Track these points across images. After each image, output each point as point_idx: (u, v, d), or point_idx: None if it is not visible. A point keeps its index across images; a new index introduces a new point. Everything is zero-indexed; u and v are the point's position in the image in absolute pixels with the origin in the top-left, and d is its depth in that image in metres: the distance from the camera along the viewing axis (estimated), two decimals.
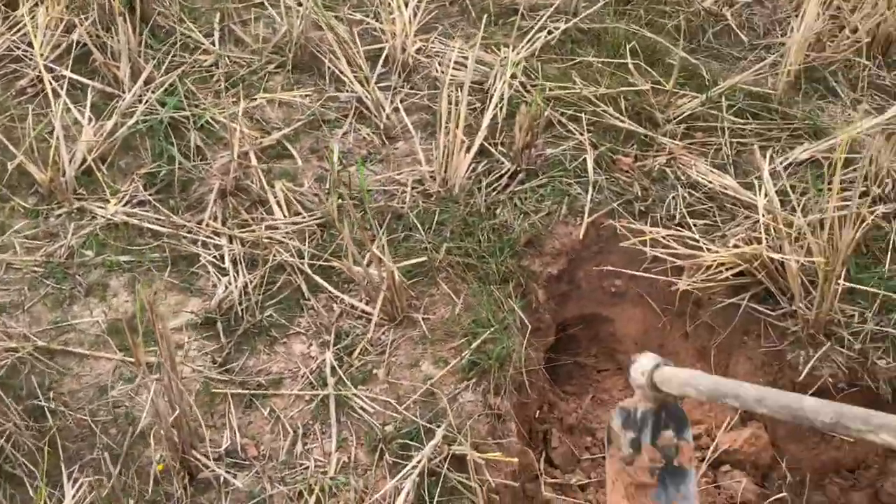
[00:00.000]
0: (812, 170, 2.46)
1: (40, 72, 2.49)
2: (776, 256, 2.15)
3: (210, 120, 2.47)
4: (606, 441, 1.48)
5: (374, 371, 2.01)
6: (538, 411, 2.22)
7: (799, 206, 2.28)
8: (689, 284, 2.22)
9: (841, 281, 2.09)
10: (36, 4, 2.66)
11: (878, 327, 2.15)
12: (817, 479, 2.25)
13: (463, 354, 1.99)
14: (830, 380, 2.12)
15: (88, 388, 1.92)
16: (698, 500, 1.49)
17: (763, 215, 2.27)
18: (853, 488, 2.24)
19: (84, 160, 2.33)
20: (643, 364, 1.42)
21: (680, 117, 2.58)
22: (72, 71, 2.54)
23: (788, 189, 2.37)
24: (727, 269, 2.20)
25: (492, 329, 2.02)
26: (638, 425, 1.46)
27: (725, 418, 2.23)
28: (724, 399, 1.29)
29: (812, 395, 2.08)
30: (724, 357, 2.28)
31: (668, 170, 2.44)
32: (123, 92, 2.50)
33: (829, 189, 2.20)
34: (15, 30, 2.63)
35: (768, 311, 2.20)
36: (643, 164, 2.46)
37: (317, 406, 1.95)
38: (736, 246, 2.23)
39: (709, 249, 2.22)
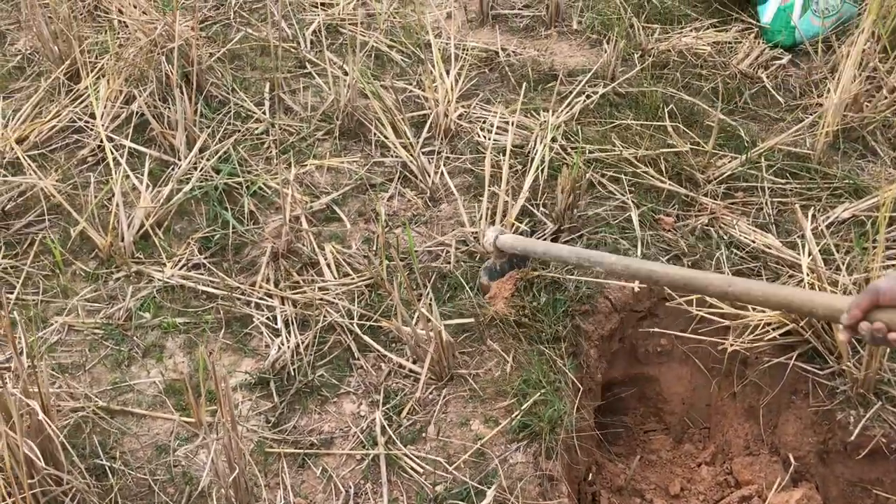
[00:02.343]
0: (855, 228, 2.47)
1: (101, 141, 2.61)
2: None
3: (262, 185, 2.56)
4: (480, 293, 2.21)
5: (424, 430, 2.04)
6: (588, 473, 2.22)
7: (843, 264, 2.29)
8: (732, 344, 2.23)
9: None
10: (98, 78, 2.80)
11: None
12: None
13: (513, 415, 2.01)
14: (883, 440, 2.09)
15: (147, 448, 1.97)
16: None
17: (807, 274, 2.28)
18: None
19: (142, 225, 2.43)
20: (488, 236, 2.17)
21: (720, 178, 2.62)
22: (131, 140, 2.66)
23: (832, 248, 2.38)
24: (774, 329, 2.20)
25: (542, 391, 2.04)
26: (498, 273, 2.24)
27: (776, 479, 2.20)
28: (545, 256, 2.12)
29: (865, 456, 2.08)
30: (772, 416, 2.27)
31: (710, 229, 2.47)
32: (179, 159, 2.61)
33: (874, 247, 2.21)
34: (78, 102, 2.77)
35: (816, 371, 2.20)
36: (685, 223, 2.49)
37: (368, 465, 1.97)
38: None
39: (754, 308, 2.23)
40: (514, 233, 2.40)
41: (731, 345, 2.23)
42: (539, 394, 2.03)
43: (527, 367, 2.11)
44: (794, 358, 2.20)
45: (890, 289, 1.16)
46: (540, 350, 2.14)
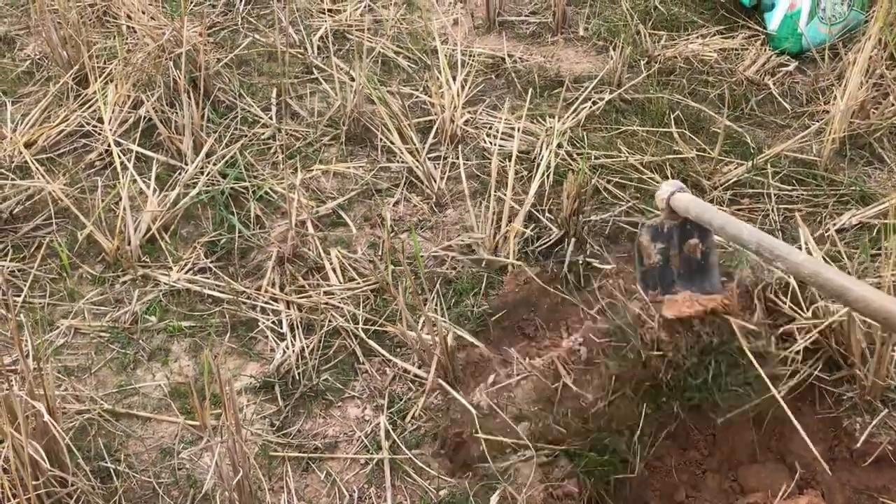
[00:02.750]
0: (862, 235, 2.47)
1: (109, 146, 2.63)
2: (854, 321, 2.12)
3: (268, 190, 2.57)
4: (637, 257, 1.68)
5: (428, 435, 2.04)
6: None
7: (853, 271, 2.28)
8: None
9: None
10: (106, 83, 2.82)
11: None
12: None
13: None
14: (890, 447, 2.08)
15: (152, 451, 1.97)
16: (721, 294, 1.72)
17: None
18: None
19: (148, 229, 2.44)
20: (662, 191, 1.69)
21: (726, 184, 2.62)
22: (138, 145, 2.68)
23: (842, 255, 2.37)
24: (805, 334, 2.19)
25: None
26: (666, 237, 1.72)
27: (782, 486, 2.19)
28: (721, 232, 1.60)
29: (871, 463, 2.07)
30: (778, 422, 2.26)
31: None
32: (186, 164, 2.62)
33: (883, 254, 2.20)
34: (86, 106, 2.79)
35: (824, 377, 2.19)
36: None
37: (372, 470, 1.97)
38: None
39: None
40: (519, 237, 2.40)
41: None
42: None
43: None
44: (818, 368, 2.17)
45: None
46: None
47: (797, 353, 2.13)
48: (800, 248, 2.38)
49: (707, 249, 1.76)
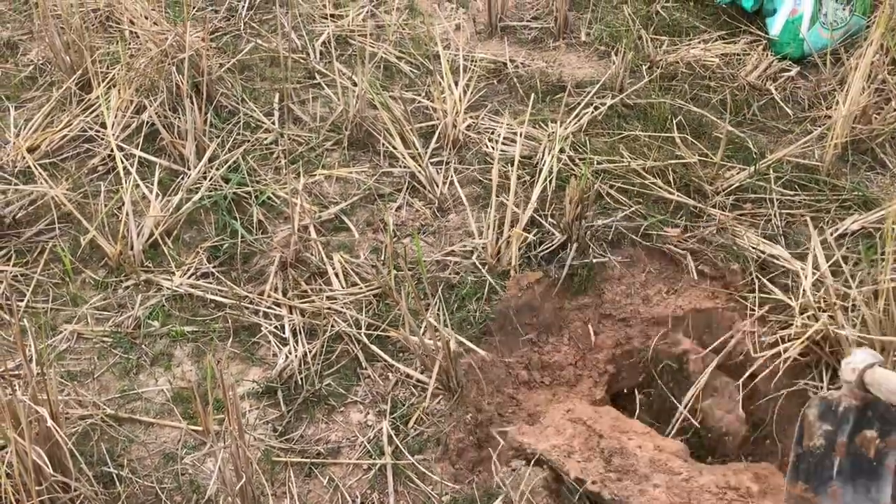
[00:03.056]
0: (863, 241, 2.47)
1: (112, 151, 2.63)
2: (842, 332, 2.13)
3: (271, 195, 2.57)
4: (797, 433, 1.36)
5: (431, 440, 2.04)
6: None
7: (854, 278, 2.28)
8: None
9: None
10: (109, 88, 2.83)
11: None
12: None
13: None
14: None
15: (154, 456, 1.97)
16: None
17: (812, 285, 2.27)
18: None
19: (151, 234, 2.44)
20: (856, 360, 1.30)
21: (729, 189, 2.62)
22: (141, 150, 2.68)
23: (841, 260, 2.37)
24: (795, 341, 2.20)
25: None
26: (837, 419, 1.33)
27: None
28: None
29: None
30: (781, 427, 2.26)
31: (721, 240, 2.47)
32: (189, 169, 2.62)
33: (883, 260, 2.20)
34: (89, 111, 2.79)
35: (828, 387, 2.19)
36: (693, 235, 2.49)
37: (374, 475, 1.97)
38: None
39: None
40: (521, 244, 2.39)
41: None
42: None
43: None
44: (815, 378, 2.18)
45: None
46: None
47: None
48: (807, 252, 2.39)
49: (886, 449, 1.36)
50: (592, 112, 2.87)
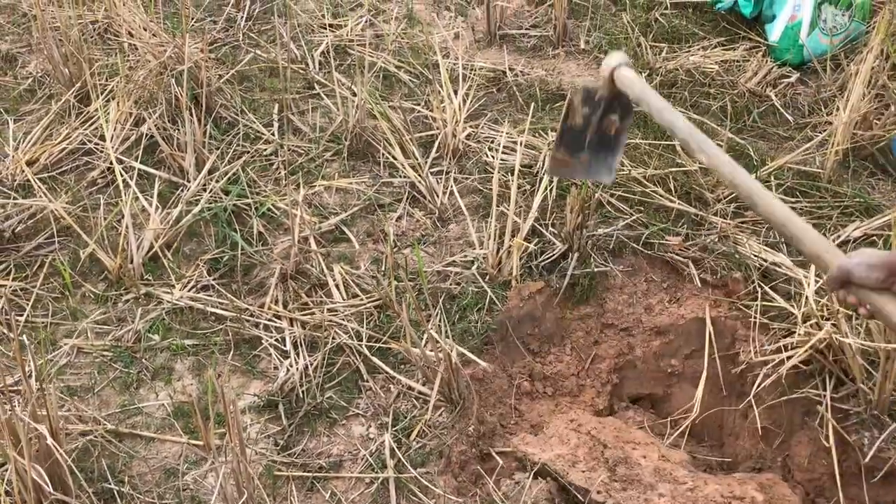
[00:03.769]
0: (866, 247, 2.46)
1: (111, 164, 2.62)
2: (846, 341, 2.12)
3: (271, 207, 2.56)
4: (564, 113, 1.68)
5: (433, 453, 2.02)
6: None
7: None
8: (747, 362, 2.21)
9: None
10: (108, 100, 2.82)
11: None
12: None
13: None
14: None
15: (155, 471, 1.96)
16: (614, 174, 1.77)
17: (815, 292, 2.26)
18: None
19: (151, 247, 2.43)
20: (611, 61, 1.64)
21: (730, 197, 2.61)
22: (140, 162, 2.67)
23: None
24: (797, 347, 2.19)
25: None
26: (594, 104, 1.70)
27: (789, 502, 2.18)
28: (657, 117, 1.57)
29: (880, 478, 2.06)
30: (786, 436, 2.25)
31: (723, 248, 2.46)
32: (188, 181, 2.61)
33: None
34: (88, 124, 2.79)
35: (831, 393, 2.17)
36: (695, 243, 2.48)
37: (377, 489, 1.96)
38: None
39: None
40: (522, 254, 2.39)
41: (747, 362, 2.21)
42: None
43: None
44: (818, 387, 2.16)
45: (859, 276, 1.25)
46: None
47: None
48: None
49: (621, 130, 1.77)
50: None
